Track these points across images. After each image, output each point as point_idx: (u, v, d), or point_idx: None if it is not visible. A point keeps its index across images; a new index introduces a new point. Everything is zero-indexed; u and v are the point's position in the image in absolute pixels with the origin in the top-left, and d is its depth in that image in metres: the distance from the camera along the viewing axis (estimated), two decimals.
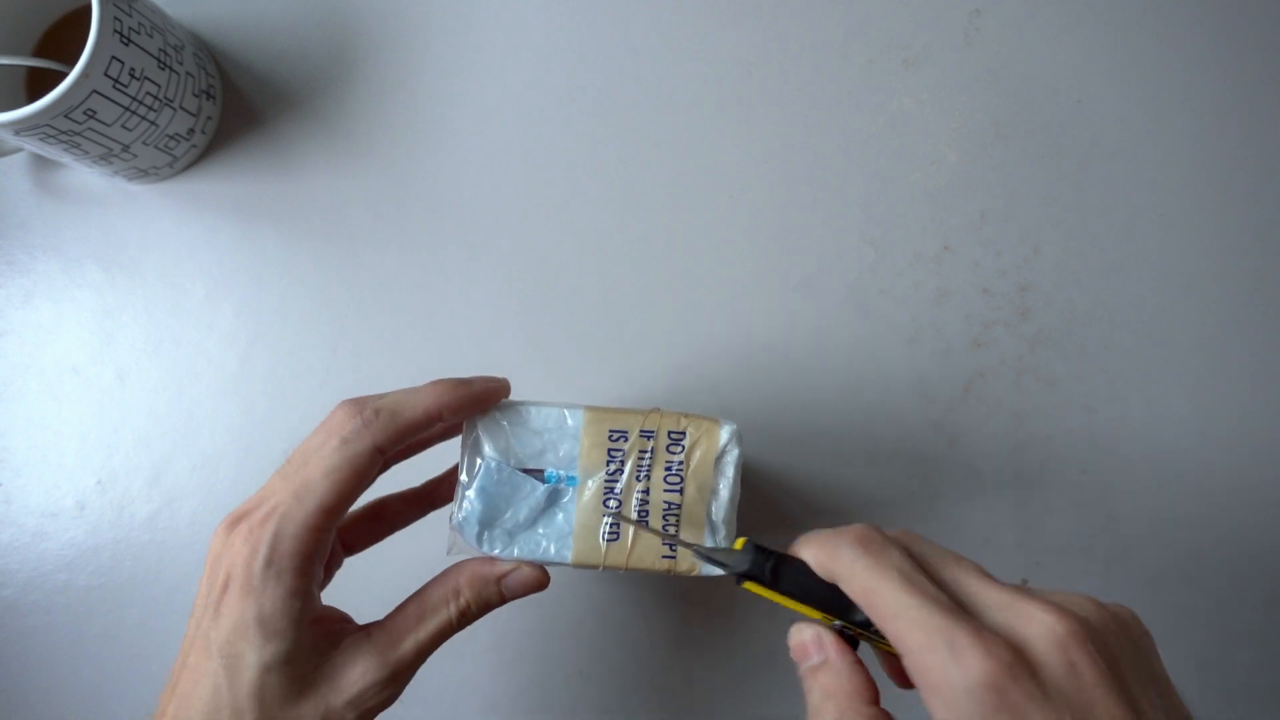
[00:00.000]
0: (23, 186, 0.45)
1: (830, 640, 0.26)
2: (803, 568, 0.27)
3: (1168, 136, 0.43)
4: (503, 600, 0.31)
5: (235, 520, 0.28)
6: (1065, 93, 0.43)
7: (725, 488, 0.31)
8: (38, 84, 0.41)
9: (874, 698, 0.25)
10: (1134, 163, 0.43)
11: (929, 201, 0.43)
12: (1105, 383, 0.42)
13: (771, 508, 0.42)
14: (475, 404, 0.31)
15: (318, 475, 0.28)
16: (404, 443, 0.29)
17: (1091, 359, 0.42)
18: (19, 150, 0.42)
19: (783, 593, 0.27)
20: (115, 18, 0.36)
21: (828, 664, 0.26)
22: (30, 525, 0.44)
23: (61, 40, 0.41)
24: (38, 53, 0.41)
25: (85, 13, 0.36)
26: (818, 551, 0.26)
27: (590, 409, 0.31)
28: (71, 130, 0.37)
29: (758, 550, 0.27)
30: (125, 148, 0.40)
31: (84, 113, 0.36)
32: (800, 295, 0.43)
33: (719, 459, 0.31)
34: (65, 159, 0.40)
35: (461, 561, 0.31)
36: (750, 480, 0.42)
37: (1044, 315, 0.43)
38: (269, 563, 0.27)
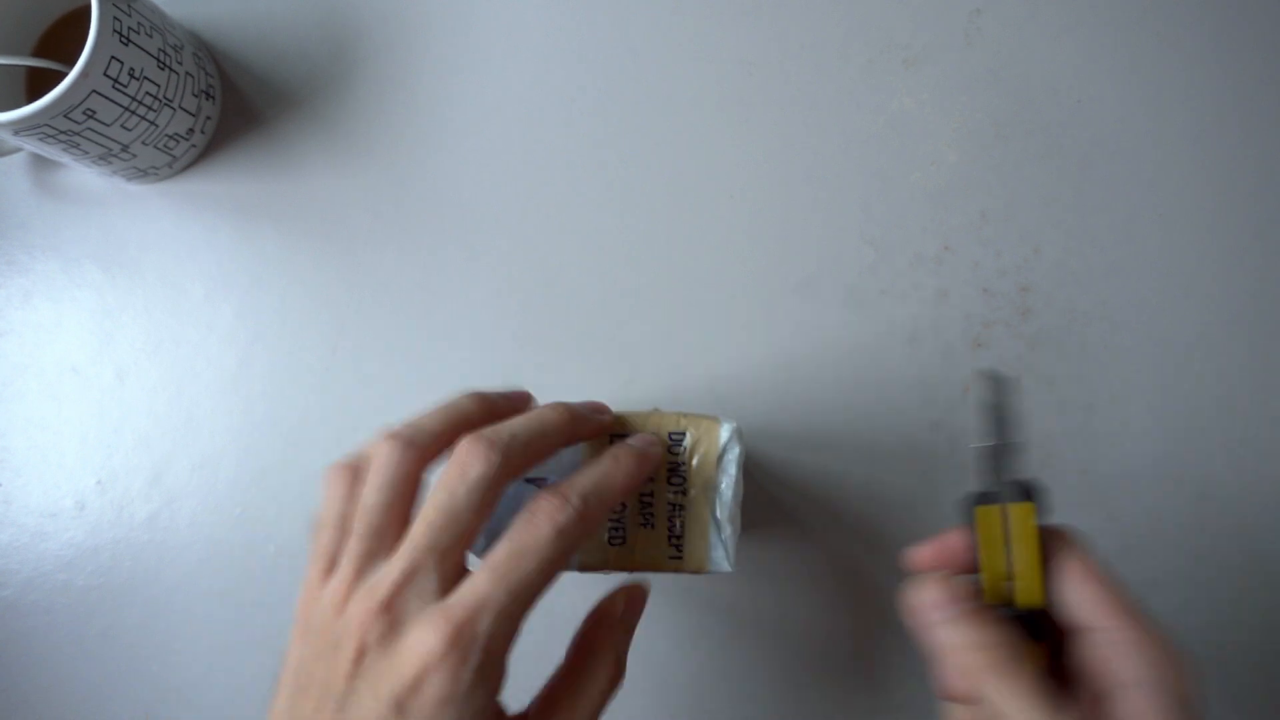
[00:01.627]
0: (22, 186, 0.45)
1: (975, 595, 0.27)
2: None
3: (1168, 136, 0.43)
4: (633, 630, 0.30)
5: (398, 600, 0.25)
6: (1065, 93, 0.43)
7: (728, 486, 0.31)
8: (37, 84, 0.41)
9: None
10: (1134, 163, 0.43)
11: (929, 201, 0.43)
12: (1105, 383, 0.42)
13: (772, 506, 0.42)
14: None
15: (534, 569, 0.25)
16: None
17: (1091, 359, 0.42)
18: (18, 150, 0.42)
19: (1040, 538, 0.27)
20: (115, 17, 0.36)
21: (975, 614, 0.26)
22: (30, 525, 0.44)
23: (61, 40, 0.41)
24: (37, 53, 0.41)
25: (85, 13, 0.36)
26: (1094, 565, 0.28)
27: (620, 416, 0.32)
28: (71, 130, 0.37)
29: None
30: (125, 148, 0.40)
31: (83, 113, 0.36)
32: (800, 295, 0.43)
33: (721, 457, 0.31)
34: (65, 159, 0.40)
35: (588, 619, 0.30)
36: (751, 478, 0.42)
37: (1044, 315, 0.43)
38: (481, 673, 0.24)
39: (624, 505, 0.31)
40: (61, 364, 0.44)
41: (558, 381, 0.43)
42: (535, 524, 0.26)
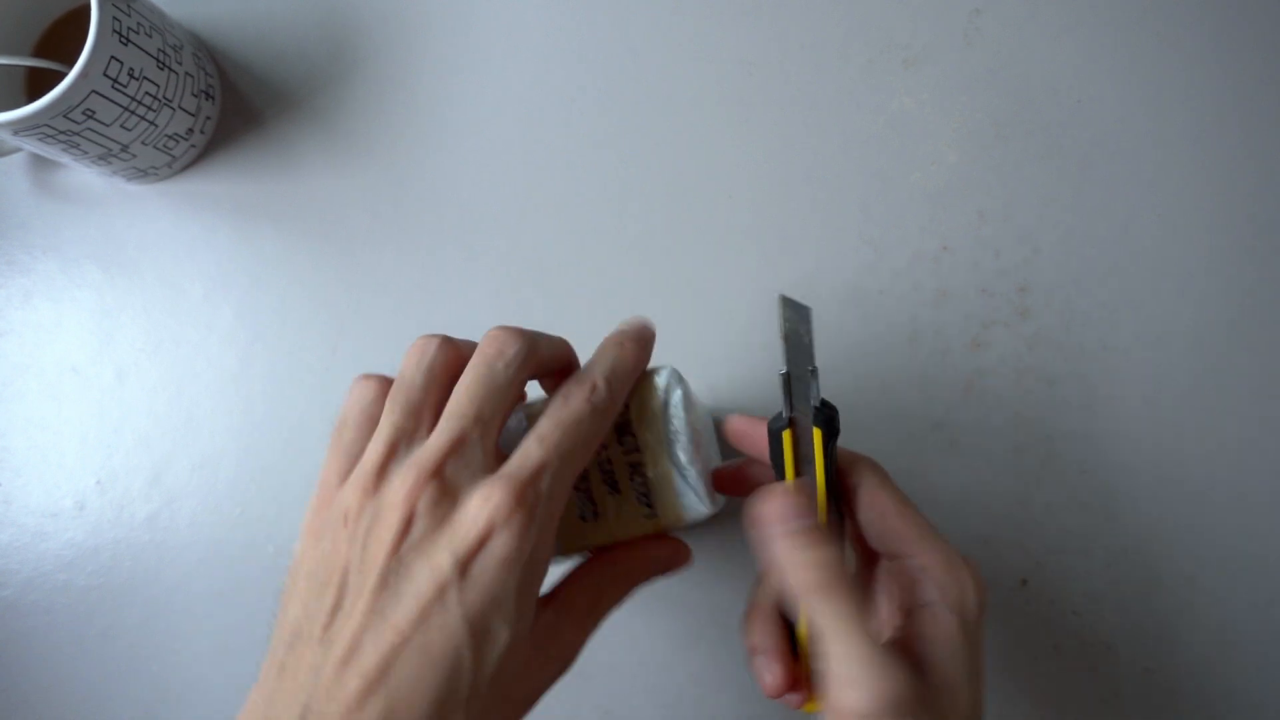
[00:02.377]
0: (22, 186, 0.45)
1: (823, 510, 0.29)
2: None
3: (1168, 136, 0.43)
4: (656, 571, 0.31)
5: (449, 465, 0.24)
6: (1065, 93, 0.43)
7: (680, 427, 0.30)
8: (37, 84, 0.41)
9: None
10: (1134, 163, 0.43)
11: (928, 201, 0.43)
12: (1105, 383, 0.42)
13: None
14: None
15: (580, 442, 0.25)
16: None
17: (1091, 359, 0.42)
18: (18, 150, 0.42)
19: (824, 454, 0.29)
20: (114, 18, 0.36)
21: (817, 530, 0.27)
22: (30, 525, 0.44)
23: (60, 40, 0.41)
24: (37, 53, 0.41)
25: (84, 13, 0.36)
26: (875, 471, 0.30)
27: (530, 404, 0.31)
28: (70, 130, 0.37)
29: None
30: (124, 148, 0.40)
31: (83, 113, 0.36)
32: (799, 295, 0.43)
33: (665, 404, 0.30)
34: (64, 159, 0.40)
35: (626, 544, 0.30)
36: None
37: (1044, 315, 0.42)
38: (544, 535, 0.24)
39: (587, 476, 0.30)
40: (61, 364, 0.44)
41: None
42: (572, 402, 0.26)
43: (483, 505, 0.23)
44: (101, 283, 0.44)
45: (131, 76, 0.37)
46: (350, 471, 0.26)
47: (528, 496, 0.23)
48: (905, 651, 0.27)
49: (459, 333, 0.43)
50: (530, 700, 0.26)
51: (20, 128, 0.36)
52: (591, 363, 0.28)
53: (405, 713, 0.22)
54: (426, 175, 0.44)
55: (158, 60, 0.39)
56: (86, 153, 0.39)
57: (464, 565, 0.23)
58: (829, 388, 0.43)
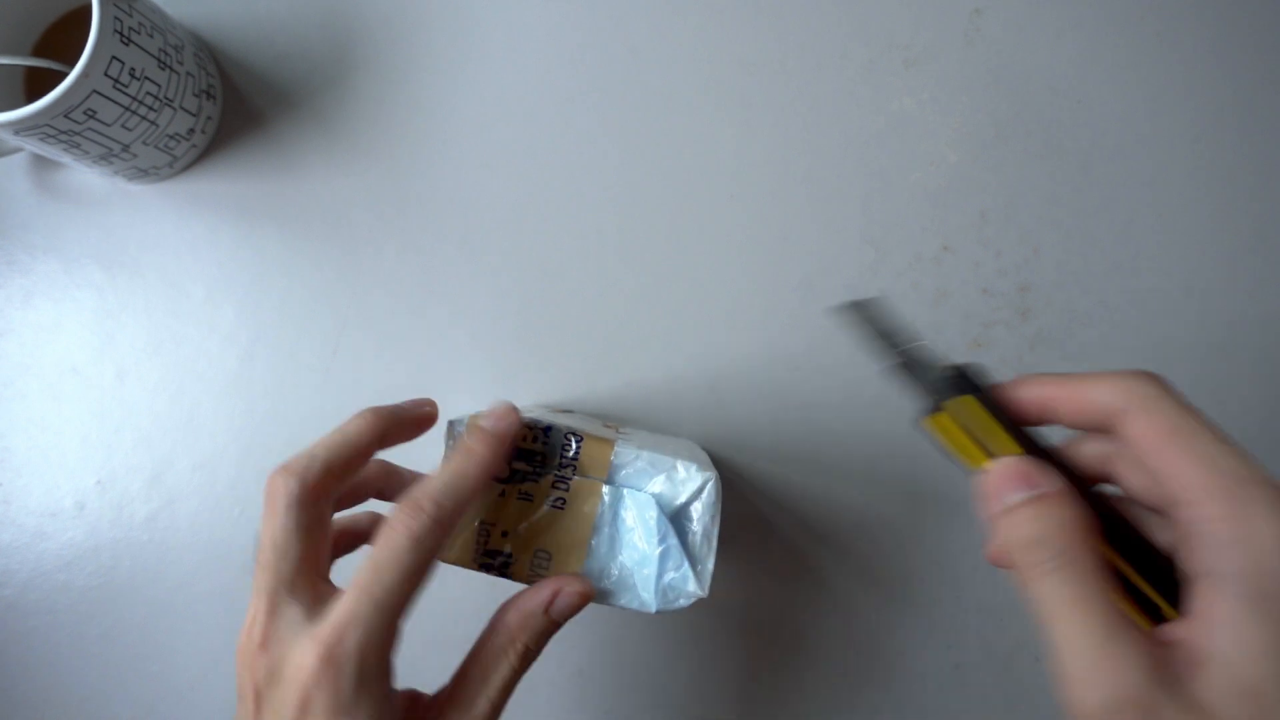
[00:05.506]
0: (23, 186, 0.45)
1: (1051, 472, 0.23)
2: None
3: (1168, 136, 0.43)
4: (557, 626, 0.30)
5: (269, 637, 0.26)
6: (1065, 93, 0.43)
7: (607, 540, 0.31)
8: (37, 84, 0.41)
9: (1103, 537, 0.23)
10: (1134, 163, 0.43)
11: (929, 201, 0.43)
12: None
13: (771, 505, 0.42)
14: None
15: (396, 580, 0.26)
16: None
17: (1091, 359, 0.42)
18: (19, 150, 0.42)
19: (1000, 421, 0.24)
20: (115, 17, 0.36)
21: (1055, 495, 0.23)
22: (30, 525, 0.44)
23: (61, 40, 0.41)
24: (37, 53, 0.41)
25: (85, 13, 0.36)
26: (1092, 386, 0.23)
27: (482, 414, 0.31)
28: (71, 130, 0.37)
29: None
30: (125, 148, 0.40)
31: (84, 113, 0.36)
32: (800, 295, 0.43)
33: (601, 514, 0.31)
34: (65, 159, 0.40)
35: (504, 604, 0.30)
36: (750, 476, 0.42)
37: (1044, 315, 0.43)
38: (360, 680, 0.25)
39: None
40: (62, 364, 0.44)
41: (557, 381, 0.43)
42: (392, 536, 0.27)
43: (296, 673, 0.25)
44: (102, 283, 0.44)
45: (133, 76, 0.37)
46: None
47: (334, 654, 0.25)
48: (1178, 642, 0.21)
49: (459, 333, 0.43)
50: None
51: (21, 128, 0.36)
52: (430, 476, 0.29)
53: None
54: (428, 175, 0.44)
55: (159, 60, 0.39)
56: (88, 153, 0.39)
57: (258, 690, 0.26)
58: (829, 387, 0.43)
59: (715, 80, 0.44)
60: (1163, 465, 0.22)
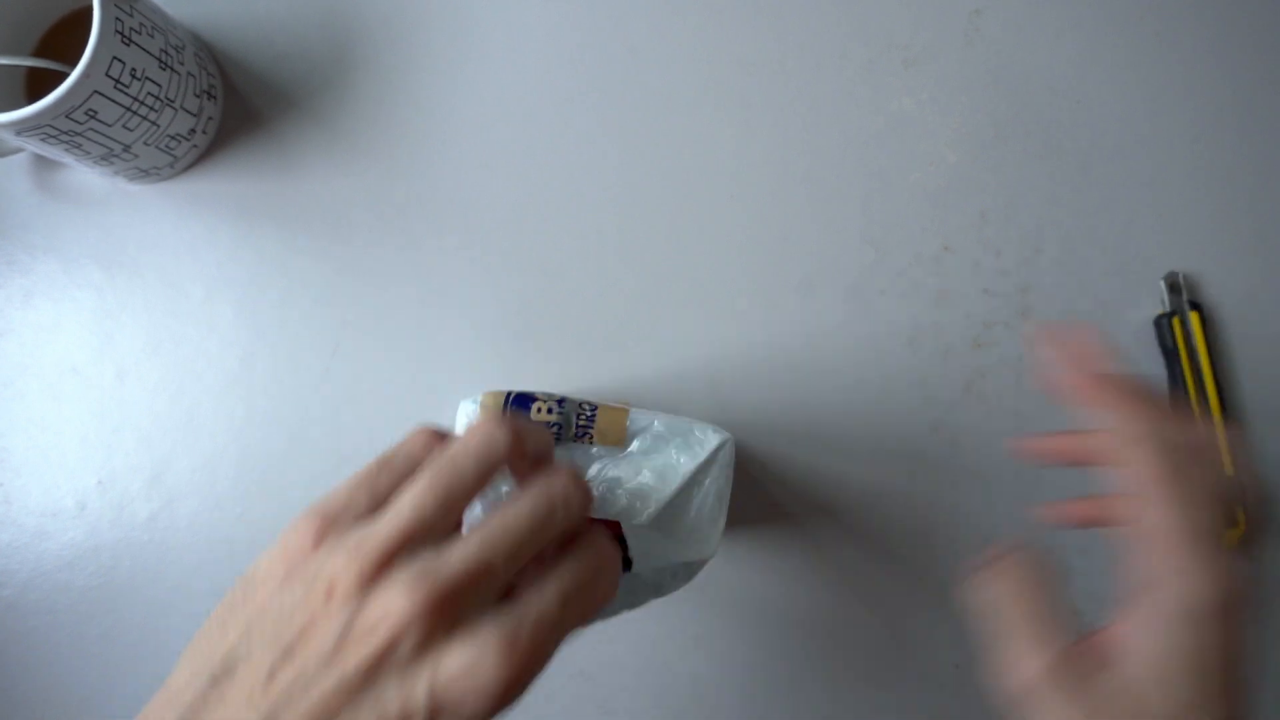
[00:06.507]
0: (23, 187, 0.45)
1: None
2: None
3: (1168, 136, 0.43)
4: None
5: (476, 603, 0.23)
6: (1065, 93, 0.43)
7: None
8: (37, 84, 0.41)
9: None
10: (1134, 163, 0.43)
11: (929, 201, 0.43)
12: None
13: (771, 505, 0.42)
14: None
15: (590, 599, 0.25)
16: None
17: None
18: (20, 150, 0.42)
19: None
20: (116, 18, 0.36)
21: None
22: (30, 525, 0.44)
23: (62, 41, 0.41)
24: (38, 53, 0.41)
25: (86, 13, 0.36)
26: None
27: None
28: (72, 130, 0.37)
29: None
30: (126, 148, 0.40)
31: (85, 113, 0.36)
32: (800, 295, 0.43)
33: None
34: (66, 159, 0.40)
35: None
36: (749, 477, 0.42)
37: (1044, 315, 0.42)
38: (526, 680, 0.23)
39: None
40: (62, 364, 0.44)
41: (558, 381, 0.43)
42: (581, 566, 0.25)
43: (480, 654, 0.22)
44: (102, 283, 0.44)
45: (134, 77, 0.37)
46: (361, 515, 0.24)
47: (520, 647, 0.22)
48: (1113, 641, 0.25)
49: (460, 332, 0.43)
50: None
51: (22, 128, 0.36)
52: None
53: None
54: (427, 175, 0.44)
55: (160, 60, 0.39)
56: (88, 153, 0.39)
57: (436, 708, 0.22)
58: (829, 387, 0.43)
59: (715, 80, 0.44)
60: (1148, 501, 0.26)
